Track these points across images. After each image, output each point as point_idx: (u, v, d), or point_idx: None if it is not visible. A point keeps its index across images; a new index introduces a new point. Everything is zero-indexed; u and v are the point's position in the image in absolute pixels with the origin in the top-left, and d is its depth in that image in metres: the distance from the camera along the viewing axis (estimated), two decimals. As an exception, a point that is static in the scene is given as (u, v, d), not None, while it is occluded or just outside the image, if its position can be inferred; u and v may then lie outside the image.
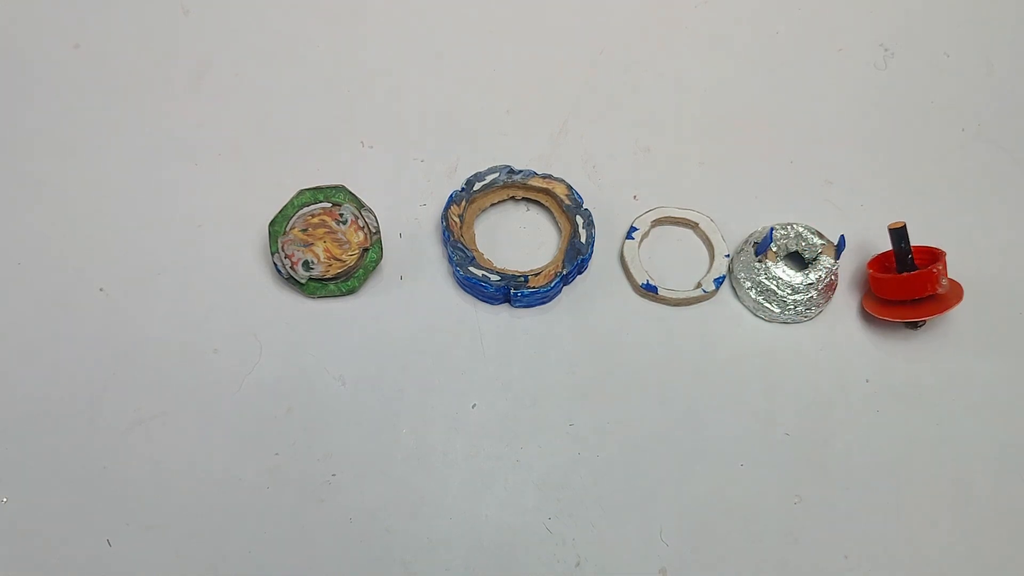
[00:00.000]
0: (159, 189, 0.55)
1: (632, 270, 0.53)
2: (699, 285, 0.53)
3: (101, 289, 0.52)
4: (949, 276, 0.51)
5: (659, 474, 0.47)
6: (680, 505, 0.46)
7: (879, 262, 0.52)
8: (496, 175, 0.53)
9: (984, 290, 0.52)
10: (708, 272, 0.53)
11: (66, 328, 0.50)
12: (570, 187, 0.53)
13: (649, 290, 0.52)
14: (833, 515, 0.47)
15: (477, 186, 0.52)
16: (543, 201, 0.54)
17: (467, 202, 0.52)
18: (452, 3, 0.62)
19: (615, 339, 0.51)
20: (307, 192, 0.50)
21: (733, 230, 0.55)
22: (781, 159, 0.58)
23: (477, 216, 0.54)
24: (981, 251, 0.54)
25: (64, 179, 0.55)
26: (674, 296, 0.52)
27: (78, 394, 0.49)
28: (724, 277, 0.53)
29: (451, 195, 0.52)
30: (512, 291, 0.48)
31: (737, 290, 0.53)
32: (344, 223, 0.49)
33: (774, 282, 0.52)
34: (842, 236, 0.52)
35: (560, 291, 0.51)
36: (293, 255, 0.49)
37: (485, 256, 0.52)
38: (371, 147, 0.57)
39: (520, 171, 0.53)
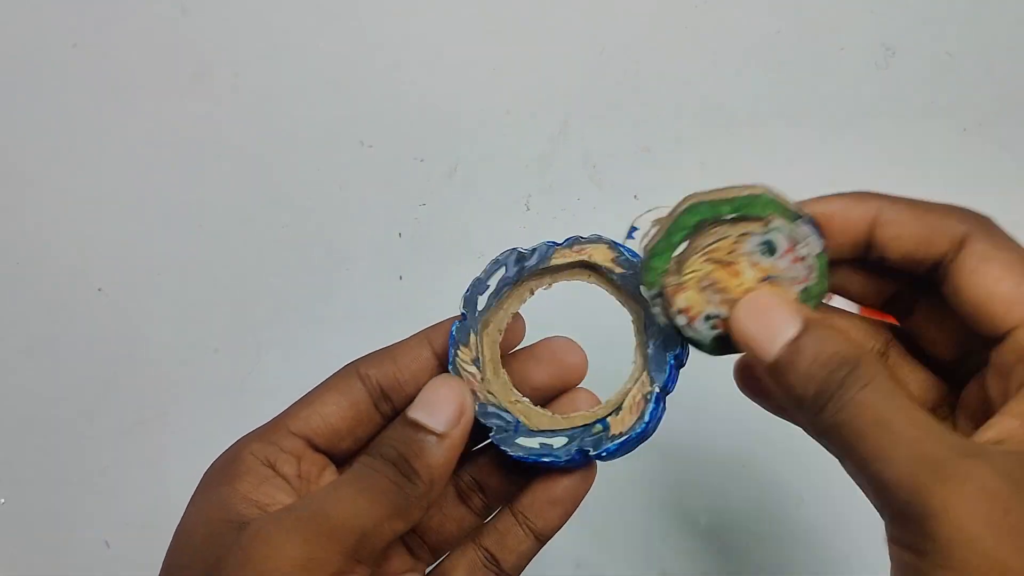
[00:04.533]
0: (158, 188, 0.55)
1: (633, 270, 0.52)
2: (700, 285, 0.52)
3: (100, 289, 0.52)
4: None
5: (659, 476, 0.47)
6: (681, 507, 0.46)
7: None
8: (502, 271, 0.32)
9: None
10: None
11: (65, 328, 0.50)
12: (615, 245, 0.33)
13: (650, 290, 0.52)
14: (835, 517, 0.47)
15: (482, 302, 0.31)
16: (583, 279, 0.33)
17: (476, 333, 0.31)
18: (452, 2, 0.62)
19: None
20: (703, 205, 0.30)
21: (734, 230, 0.55)
22: (782, 158, 0.58)
23: (499, 337, 0.32)
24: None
25: (63, 179, 0.55)
26: (675, 296, 0.52)
27: (78, 394, 0.49)
28: (725, 277, 0.53)
29: (451, 333, 0.30)
30: (592, 452, 0.30)
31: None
32: (772, 253, 0.29)
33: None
34: (843, 236, 0.52)
35: (661, 416, 0.31)
36: (691, 309, 0.29)
37: (532, 404, 0.31)
38: (371, 147, 0.57)
39: (533, 249, 0.32)
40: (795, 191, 0.58)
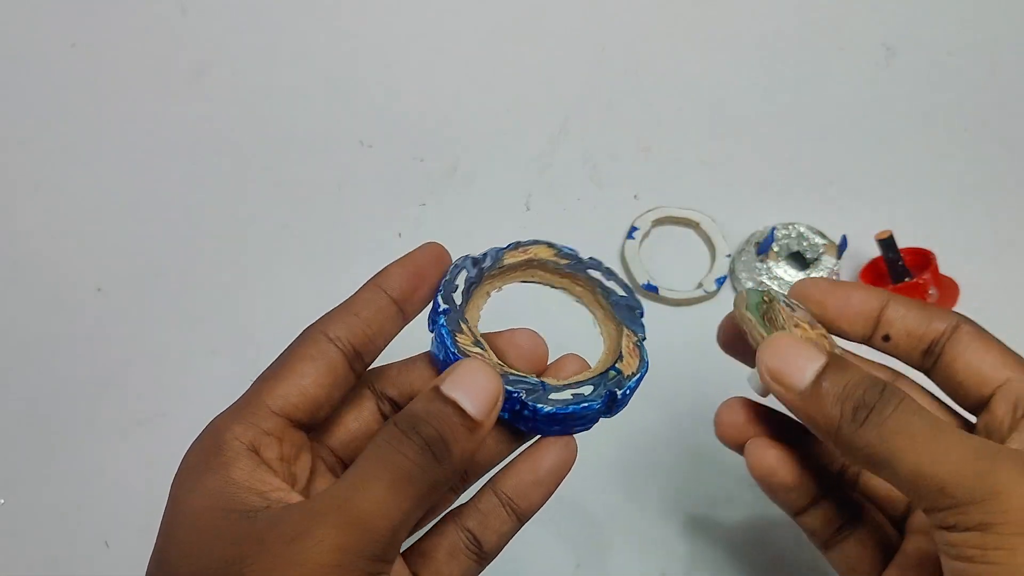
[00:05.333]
0: (157, 188, 0.55)
1: (633, 270, 0.53)
2: (700, 285, 0.52)
3: (99, 289, 0.52)
4: (950, 276, 0.51)
5: (660, 476, 0.47)
6: (681, 507, 0.46)
7: (872, 269, 0.52)
8: (464, 272, 0.34)
9: (988, 291, 0.52)
10: (709, 272, 0.53)
11: (64, 328, 0.50)
12: (552, 244, 0.36)
13: (650, 290, 0.52)
14: (835, 516, 0.47)
15: (459, 298, 0.33)
16: (531, 279, 0.37)
17: (466, 322, 0.33)
18: (452, 2, 0.62)
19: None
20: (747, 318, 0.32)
21: (734, 230, 0.55)
22: (783, 158, 0.57)
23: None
24: (984, 251, 0.54)
25: (61, 178, 0.55)
26: (675, 296, 0.52)
27: (76, 394, 0.49)
28: (725, 277, 0.53)
29: (442, 327, 0.31)
30: (618, 392, 0.32)
31: (739, 290, 0.53)
32: (793, 309, 0.32)
33: (776, 282, 0.51)
34: (844, 236, 0.52)
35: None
36: None
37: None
38: (370, 147, 0.57)
39: (485, 254, 0.35)
40: (795, 189, 0.58)
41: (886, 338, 0.32)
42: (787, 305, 0.32)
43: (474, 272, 0.34)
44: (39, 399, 0.48)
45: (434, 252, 0.32)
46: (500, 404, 0.27)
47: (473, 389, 0.26)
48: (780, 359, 0.28)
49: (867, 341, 0.32)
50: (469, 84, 0.59)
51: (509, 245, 0.35)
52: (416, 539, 0.30)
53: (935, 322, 0.30)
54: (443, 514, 0.31)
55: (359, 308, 0.30)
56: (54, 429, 0.48)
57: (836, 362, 0.27)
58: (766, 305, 0.32)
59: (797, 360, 0.27)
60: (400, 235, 0.54)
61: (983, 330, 0.30)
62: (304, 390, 0.28)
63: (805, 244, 0.52)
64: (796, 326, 0.30)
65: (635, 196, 0.56)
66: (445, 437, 0.25)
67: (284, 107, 0.58)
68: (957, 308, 0.49)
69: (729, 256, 0.54)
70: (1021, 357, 0.30)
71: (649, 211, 0.55)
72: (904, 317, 0.31)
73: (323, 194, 0.55)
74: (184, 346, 0.50)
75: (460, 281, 0.33)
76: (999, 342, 0.30)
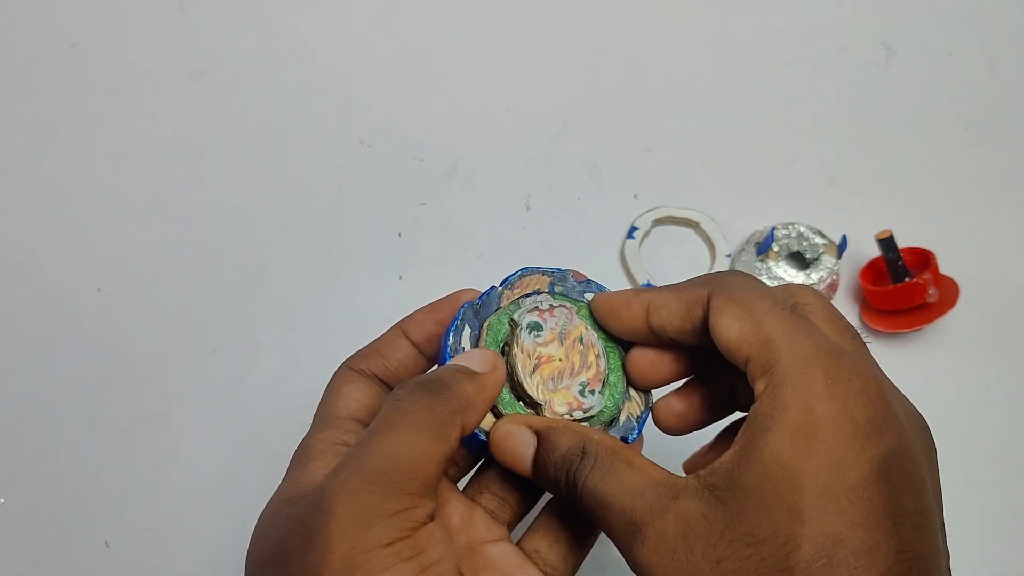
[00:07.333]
0: (156, 188, 0.55)
1: (633, 270, 0.53)
2: (700, 285, 0.52)
3: (99, 289, 0.52)
4: (950, 276, 0.51)
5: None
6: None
7: (871, 269, 0.52)
8: (466, 330, 0.32)
9: (987, 290, 0.52)
10: (710, 272, 0.53)
11: (64, 328, 0.50)
12: (539, 270, 0.34)
13: (650, 290, 0.52)
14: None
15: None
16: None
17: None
18: (452, 3, 0.62)
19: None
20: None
21: (734, 230, 0.55)
22: (783, 158, 0.57)
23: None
24: (984, 251, 0.54)
25: (61, 178, 0.55)
26: (675, 296, 0.52)
27: (76, 394, 0.49)
28: (725, 277, 0.53)
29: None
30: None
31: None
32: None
33: (775, 282, 0.51)
34: (844, 236, 0.52)
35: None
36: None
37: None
38: (370, 146, 0.57)
39: (481, 299, 0.33)
40: (795, 189, 0.58)
41: (672, 341, 0.31)
42: (531, 330, 0.31)
43: (476, 326, 0.32)
44: (39, 399, 0.48)
45: (463, 299, 0.32)
46: (501, 368, 0.30)
47: (469, 357, 0.30)
48: (502, 450, 0.30)
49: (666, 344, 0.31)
50: (469, 84, 0.59)
51: (503, 283, 0.33)
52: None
53: (693, 308, 0.29)
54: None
55: (383, 348, 0.32)
56: (54, 429, 0.48)
57: (545, 437, 0.29)
58: (510, 334, 0.32)
59: (515, 448, 0.29)
60: (400, 235, 0.54)
61: (733, 294, 0.28)
62: (359, 399, 0.31)
63: (805, 244, 0.52)
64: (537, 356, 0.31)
65: (635, 196, 0.56)
66: (442, 378, 0.28)
67: (284, 107, 0.58)
68: (957, 308, 0.49)
69: (729, 256, 0.54)
70: (765, 317, 0.27)
71: (649, 211, 0.55)
72: (669, 319, 0.30)
73: (323, 194, 0.55)
74: (184, 346, 0.50)
75: (466, 341, 0.32)
76: (748, 305, 0.28)
